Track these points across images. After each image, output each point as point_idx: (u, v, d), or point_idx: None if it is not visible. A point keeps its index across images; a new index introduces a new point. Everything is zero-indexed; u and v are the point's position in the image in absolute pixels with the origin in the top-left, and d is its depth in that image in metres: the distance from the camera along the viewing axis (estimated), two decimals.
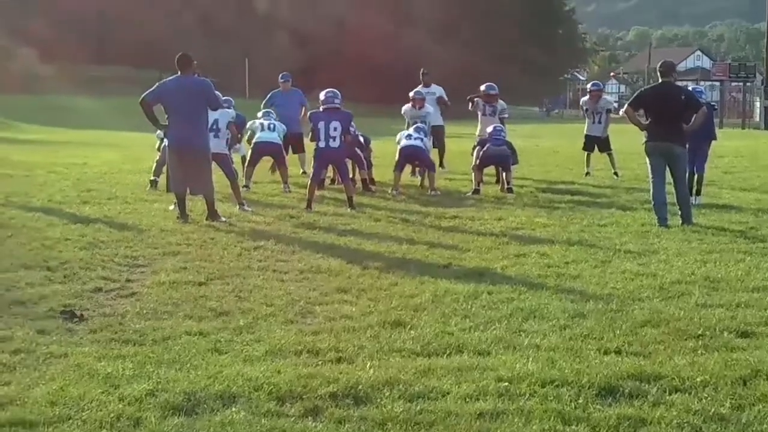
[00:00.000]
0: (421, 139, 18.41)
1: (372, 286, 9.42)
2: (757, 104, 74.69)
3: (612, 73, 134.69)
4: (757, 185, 19.61)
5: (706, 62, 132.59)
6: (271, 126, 18.70)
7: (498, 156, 18.15)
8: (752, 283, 9.46)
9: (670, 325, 7.79)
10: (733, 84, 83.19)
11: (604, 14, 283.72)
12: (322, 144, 15.49)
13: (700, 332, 7.57)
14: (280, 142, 18.62)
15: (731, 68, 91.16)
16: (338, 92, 16.04)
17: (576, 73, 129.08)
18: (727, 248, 11.64)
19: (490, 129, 18.76)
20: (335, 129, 15.44)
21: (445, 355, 7.02)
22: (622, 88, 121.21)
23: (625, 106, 14.44)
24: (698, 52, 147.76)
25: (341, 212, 15.07)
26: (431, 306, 8.54)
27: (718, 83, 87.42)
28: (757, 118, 68.47)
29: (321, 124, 15.47)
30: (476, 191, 17.71)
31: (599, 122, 21.39)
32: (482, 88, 21.18)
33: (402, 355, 7.06)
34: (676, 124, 13.91)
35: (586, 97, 22.28)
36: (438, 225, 13.76)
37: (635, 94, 14.84)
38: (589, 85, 23.87)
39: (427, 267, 10.39)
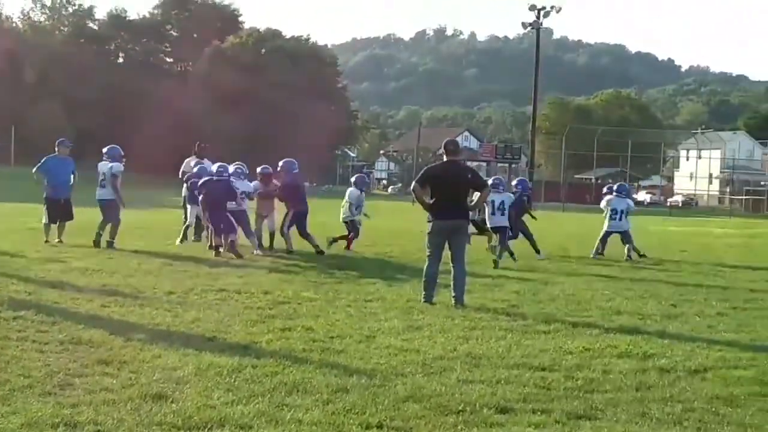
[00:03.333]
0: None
1: (134, 358, 9.22)
2: None
3: (382, 151, 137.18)
4: (521, 264, 20.29)
5: (473, 143, 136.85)
6: None
7: None
8: (512, 360, 9.69)
9: (431, 401, 7.91)
10: (500, 165, 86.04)
11: (375, 93, 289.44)
12: None
13: (460, 408, 7.70)
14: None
15: (497, 149, 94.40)
16: None
17: (347, 150, 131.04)
18: (489, 325, 11.91)
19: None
20: None
21: (207, 429, 6.93)
22: (392, 165, 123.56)
23: (413, 183, 14.62)
24: (466, 133, 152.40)
25: (108, 281, 14.77)
26: (194, 379, 8.43)
27: (484, 163, 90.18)
28: None
29: None
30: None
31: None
32: (258, 170, 21.75)
33: (162, 428, 6.93)
34: (462, 202, 14.28)
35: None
36: (204, 298, 13.63)
37: (423, 172, 14.86)
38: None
39: (191, 339, 10.25)
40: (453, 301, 13.70)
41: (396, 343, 10.47)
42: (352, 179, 23.95)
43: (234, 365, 8.94)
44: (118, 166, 20.99)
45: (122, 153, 21.43)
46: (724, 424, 7.55)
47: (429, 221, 14.22)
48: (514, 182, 25.66)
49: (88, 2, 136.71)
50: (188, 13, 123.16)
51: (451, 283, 13.96)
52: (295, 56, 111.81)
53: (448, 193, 14.04)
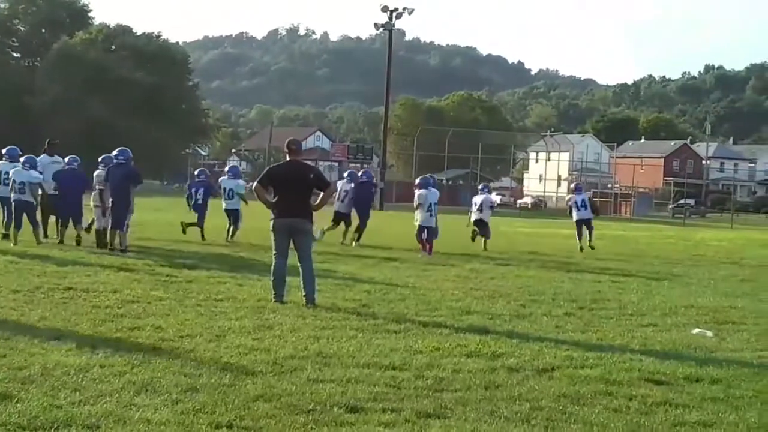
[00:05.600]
0: None
1: None
2: None
3: (233, 150, 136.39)
4: (372, 263, 20.42)
5: (326, 142, 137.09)
6: None
7: None
8: (363, 359, 9.72)
9: (282, 400, 7.89)
10: (351, 165, 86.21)
11: (227, 91, 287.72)
12: None
13: (311, 407, 7.70)
14: None
15: (350, 149, 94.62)
16: None
17: (198, 148, 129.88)
18: (340, 325, 11.94)
19: None
20: None
21: (53, 429, 6.80)
22: (244, 164, 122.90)
23: (255, 183, 14.59)
24: (318, 133, 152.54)
25: None
26: (40, 379, 8.25)
27: (336, 163, 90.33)
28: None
29: None
30: None
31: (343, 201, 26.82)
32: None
33: (7, 428, 6.77)
34: (304, 201, 14.27)
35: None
36: (51, 297, 13.35)
37: (265, 171, 14.87)
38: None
39: (37, 339, 10.02)
40: (304, 300, 13.71)
41: (246, 342, 10.42)
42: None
43: (81, 364, 8.79)
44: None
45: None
46: (571, 422, 7.70)
47: (271, 219, 14.26)
48: (360, 173, 28.72)
49: None
50: (36, 7, 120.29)
51: (300, 283, 13.97)
52: (146, 53, 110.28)
53: (290, 192, 14.04)
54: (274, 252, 14.25)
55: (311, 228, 14.53)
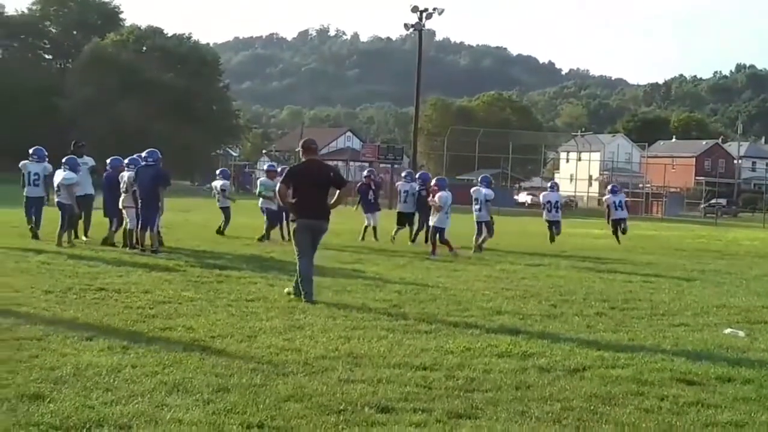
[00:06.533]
0: None
1: (11, 358, 9.05)
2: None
3: (264, 150, 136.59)
4: (402, 263, 20.42)
5: (356, 143, 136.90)
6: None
7: None
8: (393, 360, 9.73)
9: (313, 400, 7.91)
10: (382, 165, 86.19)
11: (258, 92, 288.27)
12: None
13: (342, 407, 7.72)
14: None
15: (380, 150, 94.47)
16: None
17: (229, 149, 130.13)
18: (371, 325, 11.95)
19: None
20: None
21: (85, 429, 6.85)
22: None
23: (279, 184, 14.62)
24: (349, 133, 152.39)
25: None
26: (72, 379, 8.30)
27: (367, 164, 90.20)
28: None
29: None
30: None
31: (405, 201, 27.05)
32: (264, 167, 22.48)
33: (40, 428, 6.82)
34: (325, 200, 14.32)
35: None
36: (83, 297, 13.42)
37: (287, 172, 15.00)
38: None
39: (69, 339, 10.08)
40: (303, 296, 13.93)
41: (277, 342, 10.45)
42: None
43: (113, 365, 8.83)
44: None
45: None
46: (602, 423, 7.68)
47: (292, 220, 14.35)
48: (417, 175, 28.37)
49: None
50: (67, 9, 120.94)
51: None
52: (177, 55, 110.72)
53: (310, 191, 14.16)
54: (297, 252, 14.29)
55: (327, 229, 14.59)
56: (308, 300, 13.74)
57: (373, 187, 27.92)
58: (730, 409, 8.25)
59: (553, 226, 29.29)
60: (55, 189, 21.33)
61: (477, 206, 25.53)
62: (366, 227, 27.37)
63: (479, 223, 25.44)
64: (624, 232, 31.06)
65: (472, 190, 26.14)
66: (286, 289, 14.40)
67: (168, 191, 21.02)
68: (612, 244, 29.76)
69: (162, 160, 20.66)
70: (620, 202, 31.50)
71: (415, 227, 26.70)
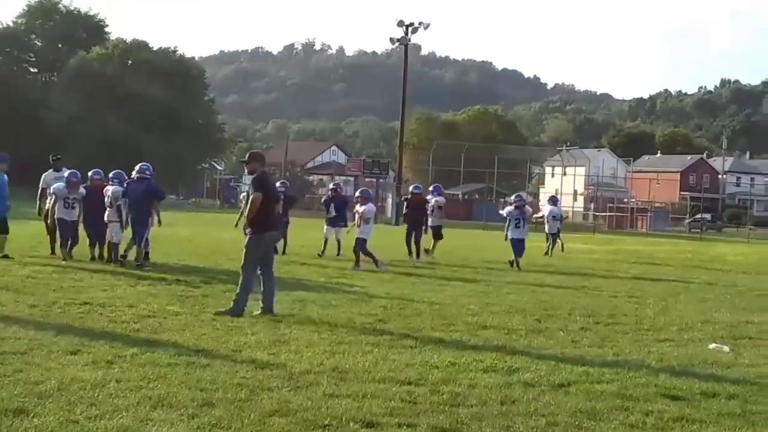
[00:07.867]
0: None
1: None
2: (389, 200, 76.93)
3: None
4: (388, 278, 20.42)
5: (341, 157, 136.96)
6: None
7: None
8: (378, 375, 9.72)
9: (297, 415, 7.89)
10: (367, 179, 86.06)
11: (243, 106, 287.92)
12: None
13: (327, 422, 7.71)
14: None
15: (365, 164, 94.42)
16: None
17: (214, 163, 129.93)
18: (356, 340, 11.95)
19: None
20: None
21: None
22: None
23: (255, 193, 14.54)
24: (334, 147, 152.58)
25: None
26: (57, 393, 8.27)
27: (352, 178, 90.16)
28: (389, 214, 70.42)
29: None
30: None
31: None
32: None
33: None
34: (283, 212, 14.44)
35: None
36: (68, 312, 13.38)
37: (264, 182, 14.84)
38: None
39: (54, 354, 10.05)
40: (261, 311, 13.95)
41: (262, 357, 10.43)
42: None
43: (97, 379, 8.81)
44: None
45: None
46: None
47: (254, 234, 14.17)
48: (431, 188, 29.98)
49: None
50: (53, 22, 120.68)
51: (263, 294, 14.15)
52: (162, 68, 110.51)
53: (275, 204, 14.71)
54: (250, 266, 14.25)
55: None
56: (235, 313, 13.64)
57: (334, 203, 27.60)
58: (715, 424, 8.27)
59: (552, 237, 30.10)
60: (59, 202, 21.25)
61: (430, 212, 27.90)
62: (326, 240, 27.19)
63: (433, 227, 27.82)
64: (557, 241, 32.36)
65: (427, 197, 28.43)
66: (255, 312, 14.16)
67: (161, 205, 21.08)
68: (596, 257, 29.80)
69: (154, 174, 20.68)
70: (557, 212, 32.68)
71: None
